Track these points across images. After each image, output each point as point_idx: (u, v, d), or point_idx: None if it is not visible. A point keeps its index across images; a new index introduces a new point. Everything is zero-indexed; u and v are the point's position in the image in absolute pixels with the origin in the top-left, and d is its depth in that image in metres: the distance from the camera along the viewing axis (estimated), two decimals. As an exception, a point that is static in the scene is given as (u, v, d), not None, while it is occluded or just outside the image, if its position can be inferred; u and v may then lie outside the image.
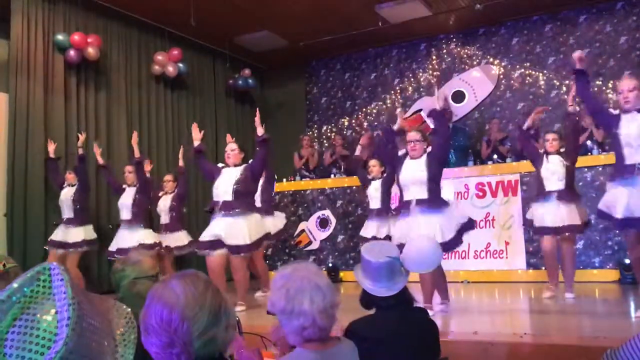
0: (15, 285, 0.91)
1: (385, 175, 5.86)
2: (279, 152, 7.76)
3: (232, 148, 5.18)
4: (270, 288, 1.66)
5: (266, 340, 2.16)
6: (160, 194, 6.65)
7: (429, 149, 4.43)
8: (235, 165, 5.13)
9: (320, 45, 8.66)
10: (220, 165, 5.29)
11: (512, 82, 8.28)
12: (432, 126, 7.37)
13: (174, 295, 1.21)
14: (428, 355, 2.10)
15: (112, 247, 6.08)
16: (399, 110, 5.15)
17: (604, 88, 7.62)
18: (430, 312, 3.76)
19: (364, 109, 9.29)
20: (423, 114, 8.50)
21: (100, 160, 6.33)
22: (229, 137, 5.61)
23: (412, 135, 4.52)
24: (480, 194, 6.70)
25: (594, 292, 5.50)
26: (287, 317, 1.56)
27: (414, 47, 9.01)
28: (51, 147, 6.24)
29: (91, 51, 6.73)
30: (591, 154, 6.32)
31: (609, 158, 5.70)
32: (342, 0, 7.30)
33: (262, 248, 5.63)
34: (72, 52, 6.66)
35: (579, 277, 5.96)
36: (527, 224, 5.45)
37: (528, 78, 8.19)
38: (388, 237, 5.35)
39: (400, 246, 4.32)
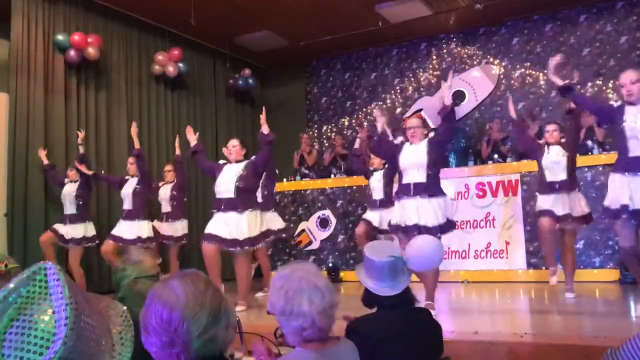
0: (11, 285, 0.91)
1: (387, 166, 5.89)
2: (279, 151, 7.73)
3: (233, 144, 5.18)
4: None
5: (266, 340, 2.16)
6: (160, 184, 6.72)
7: (431, 134, 4.44)
8: (237, 162, 5.12)
9: (321, 45, 8.65)
10: (221, 162, 5.28)
11: (512, 82, 8.28)
12: (432, 125, 7.40)
13: (174, 295, 1.21)
14: (430, 355, 2.10)
15: (114, 232, 6.13)
16: (376, 112, 5.15)
17: (604, 88, 7.62)
18: (432, 312, 3.77)
19: (364, 109, 9.29)
20: (423, 113, 8.50)
21: (89, 172, 6.31)
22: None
23: (412, 121, 4.55)
24: (481, 193, 6.70)
25: (595, 292, 5.50)
26: (286, 317, 1.56)
27: (414, 46, 9.01)
28: (42, 154, 6.23)
29: (91, 51, 6.73)
30: (591, 153, 6.31)
31: (610, 158, 5.70)
32: (343, 0, 7.31)
33: (265, 245, 5.65)
34: (72, 52, 6.66)
35: (579, 277, 5.96)
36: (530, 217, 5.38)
37: (528, 78, 8.18)
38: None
39: (397, 227, 4.36)
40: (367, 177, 6.24)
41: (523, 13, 8.07)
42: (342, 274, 7.33)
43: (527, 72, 8.18)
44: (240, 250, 4.89)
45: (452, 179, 6.68)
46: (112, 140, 7.23)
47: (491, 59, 8.45)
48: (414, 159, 4.36)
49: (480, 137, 8.12)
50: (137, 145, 6.11)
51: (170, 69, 7.82)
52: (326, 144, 9.32)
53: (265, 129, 5.01)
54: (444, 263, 4.40)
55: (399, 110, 9.02)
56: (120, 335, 1.06)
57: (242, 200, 4.94)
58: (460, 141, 8.10)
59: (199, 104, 8.61)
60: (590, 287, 5.68)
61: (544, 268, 6.28)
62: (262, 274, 6.27)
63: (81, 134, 6.35)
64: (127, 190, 6.18)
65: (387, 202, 5.83)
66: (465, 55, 8.64)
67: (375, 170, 6.11)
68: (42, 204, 6.39)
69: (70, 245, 6.10)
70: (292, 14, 7.64)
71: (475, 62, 8.56)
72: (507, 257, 6.49)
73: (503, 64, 8.36)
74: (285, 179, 7.97)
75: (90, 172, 6.27)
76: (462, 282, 6.57)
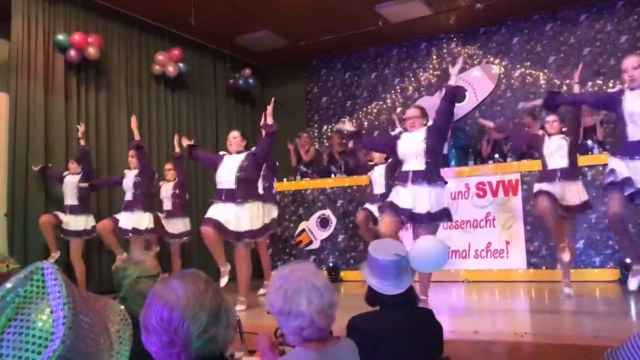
0: (8, 285, 0.91)
1: (390, 160, 5.91)
2: (280, 151, 7.75)
3: (234, 136, 5.18)
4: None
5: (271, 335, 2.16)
6: (161, 183, 6.73)
7: (429, 123, 4.43)
8: (238, 153, 5.13)
9: (321, 44, 8.65)
10: (221, 153, 5.28)
11: (512, 81, 8.28)
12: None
13: (174, 294, 1.22)
14: (431, 355, 2.10)
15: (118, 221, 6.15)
16: (342, 125, 5.21)
17: (604, 87, 7.61)
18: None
19: (365, 109, 9.29)
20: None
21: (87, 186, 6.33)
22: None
23: (410, 112, 4.55)
24: (481, 193, 6.70)
25: (595, 292, 5.50)
26: (285, 318, 1.56)
27: (415, 46, 9.01)
28: (35, 168, 6.23)
29: (91, 51, 6.73)
30: (592, 153, 6.31)
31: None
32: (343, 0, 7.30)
33: (266, 238, 5.65)
34: (72, 52, 6.66)
35: (579, 277, 5.97)
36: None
37: (528, 77, 8.18)
38: None
39: (389, 203, 4.32)
40: (365, 172, 6.25)
41: (523, 13, 8.07)
42: (342, 273, 7.33)
43: (528, 71, 8.18)
44: (241, 242, 4.89)
45: (452, 179, 6.67)
46: (112, 140, 7.23)
47: (491, 59, 8.45)
48: (412, 147, 4.36)
49: (481, 136, 8.12)
50: (137, 137, 6.11)
51: (171, 69, 7.82)
52: (326, 144, 9.33)
53: (269, 120, 5.00)
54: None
55: (399, 110, 9.01)
56: (118, 334, 1.06)
57: (243, 191, 4.92)
58: (460, 139, 8.10)
59: (199, 104, 8.61)
60: (591, 287, 5.68)
61: (544, 268, 6.29)
62: (262, 274, 6.28)
63: (81, 128, 6.36)
64: (128, 183, 6.18)
65: (388, 195, 5.83)
66: (465, 55, 8.64)
67: (376, 164, 6.13)
68: (42, 204, 6.40)
69: (70, 238, 6.12)
70: (292, 13, 7.64)
71: (475, 62, 8.56)
72: (507, 257, 6.49)
73: (503, 63, 8.36)
74: (285, 179, 7.97)
75: (87, 185, 6.22)
76: (462, 281, 6.57)
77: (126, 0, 7.18)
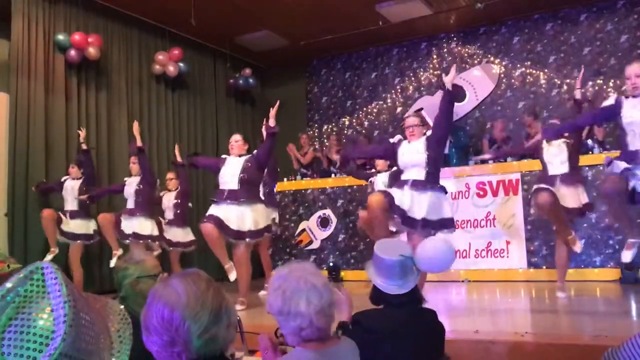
0: (8, 285, 0.91)
1: (394, 169, 5.91)
2: (280, 151, 7.76)
3: (236, 139, 5.20)
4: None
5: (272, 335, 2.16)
6: (162, 193, 6.68)
7: (429, 132, 4.42)
8: (240, 156, 5.13)
9: (321, 44, 8.65)
10: (223, 156, 5.30)
11: (513, 81, 8.28)
12: (432, 124, 7.40)
13: (175, 294, 1.22)
14: (431, 355, 2.10)
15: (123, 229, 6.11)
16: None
17: (604, 87, 7.61)
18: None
19: (365, 109, 9.29)
20: (424, 112, 8.49)
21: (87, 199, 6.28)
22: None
23: (410, 120, 4.52)
24: (481, 193, 6.70)
25: (595, 291, 5.50)
26: (284, 318, 1.56)
27: (415, 46, 9.00)
28: (34, 188, 6.21)
29: (92, 51, 6.73)
30: (592, 152, 6.31)
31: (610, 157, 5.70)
32: (343, -1, 7.31)
33: (267, 239, 5.64)
34: (72, 52, 6.66)
35: (580, 276, 5.98)
36: (529, 206, 5.21)
37: (529, 77, 8.18)
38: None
39: (388, 194, 4.29)
40: (370, 181, 6.22)
41: (523, 12, 8.07)
42: (342, 273, 7.33)
43: (528, 71, 8.18)
44: (242, 243, 4.89)
45: (452, 178, 6.69)
46: (112, 140, 7.23)
47: (492, 58, 8.45)
48: (412, 158, 4.34)
49: (481, 136, 8.12)
50: (139, 143, 6.06)
51: (171, 69, 7.82)
52: (327, 143, 9.32)
53: (272, 122, 5.01)
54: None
55: (399, 109, 9.02)
56: (118, 333, 1.06)
57: (245, 192, 4.93)
58: (460, 139, 8.09)
59: (199, 104, 8.61)
60: (591, 287, 5.68)
61: (544, 267, 6.29)
62: (263, 274, 6.28)
63: (82, 133, 6.35)
64: (130, 190, 6.12)
65: None
66: (465, 55, 8.64)
67: (379, 172, 6.11)
68: (42, 204, 6.38)
69: (69, 240, 6.10)
70: (292, 13, 7.64)
71: (475, 62, 8.56)
72: (507, 257, 6.50)
73: (504, 63, 8.36)
74: (285, 179, 7.97)
75: (86, 197, 6.17)
76: (463, 281, 6.58)
77: (126, 0, 7.18)
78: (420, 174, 4.27)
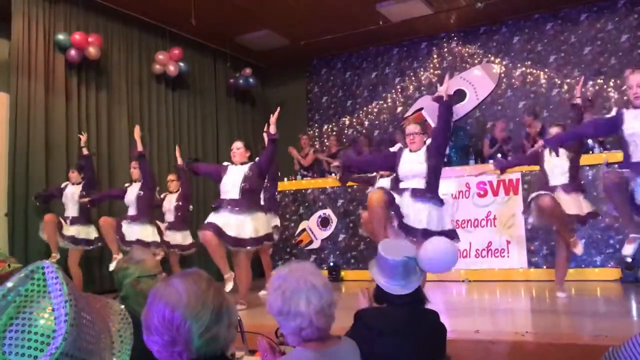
0: (9, 284, 0.92)
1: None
2: (280, 151, 7.76)
3: (237, 146, 5.18)
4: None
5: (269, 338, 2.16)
6: (162, 196, 6.66)
7: (428, 141, 4.41)
8: (242, 164, 5.12)
9: (321, 44, 8.65)
10: (225, 163, 5.29)
11: (513, 80, 8.28)
12: (432, 124, 7.40)
13: (176, 294, 1.22)
14: (432, 355, 2.10)
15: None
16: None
17: (605, 87, 7.61)
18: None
19: (365, 108, 9.29)
20: (424, 112, 8.50)
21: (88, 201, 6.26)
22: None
23: (411, 128, 4.50)
24: (482, 192, 6.69)
25: (595, 291, 5.49)
26: (284, 318, 1.56)
27: (415, 45, 9.00)
28: (35, 200, 6.20)
29: (92, 51, 6.73)
30: (592, 152, 6.31)
31: (611, 156, 5.70)
32: (343, -1, 7.31)
33: (268, 245, 5.64)
34: (72, 52, 6.66)
35: (580, 276, 5.97)
36: (526, 212, 5.15)
37: (529, 77, 8.18)
38: None
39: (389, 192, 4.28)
40: (370, 184, 6.21)
41: (524, 12, 8.07)
42: (343, 273, 7.33)
43: (528, 70, 8.18)
44: (242, 251, 4.89)
45: (453, 178, 6.68)
46: (112, 140, 7.23)
47: (492, 58, 8.45)
48: (413, 168, 4.31)
49: (481, 136, 8.11)
50: (140, 147, 6.00)
51: (171, 69, 7.82)
52: (327, 143, 9.32)
53: (272, 129, 5.02)
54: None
55: (399, 109, 9.02)
56: (119, 333, 1.07)
57: (246, 201, 4.93)
58: (460, 139, 8.09)
59: (199, 104, 8.61)
60: (591, 286, 5.68)
61: (544, 267, 6.29)
62: (263, 274, 6.27)
63: (83, 137, 6.33)
64: (131, 197, 6.05)
65: None
66: (466, 54, 8.64)
67: (382, 177, 6.09)
68: (43, 208, 6.37)
69: (69, 245, 6.08)
70: (292, 13, 7.64)
71: (476, 61, 8.56)
72: (508, 256, 6.49)
73: (504, 62, 8.36)
74: (286, 179, 7.97)
75: (87, 200, 6.14)
76: (463, 281, 6.57)
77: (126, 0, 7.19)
78: (420, 184, 4.27)
